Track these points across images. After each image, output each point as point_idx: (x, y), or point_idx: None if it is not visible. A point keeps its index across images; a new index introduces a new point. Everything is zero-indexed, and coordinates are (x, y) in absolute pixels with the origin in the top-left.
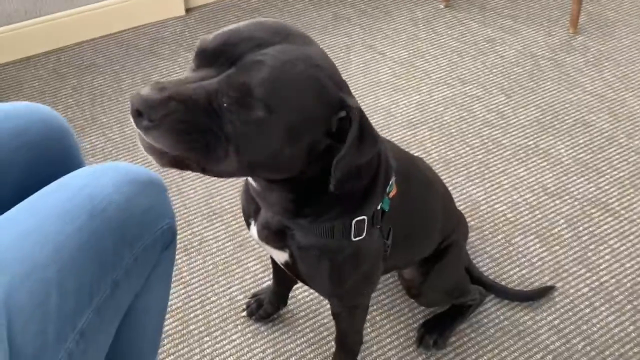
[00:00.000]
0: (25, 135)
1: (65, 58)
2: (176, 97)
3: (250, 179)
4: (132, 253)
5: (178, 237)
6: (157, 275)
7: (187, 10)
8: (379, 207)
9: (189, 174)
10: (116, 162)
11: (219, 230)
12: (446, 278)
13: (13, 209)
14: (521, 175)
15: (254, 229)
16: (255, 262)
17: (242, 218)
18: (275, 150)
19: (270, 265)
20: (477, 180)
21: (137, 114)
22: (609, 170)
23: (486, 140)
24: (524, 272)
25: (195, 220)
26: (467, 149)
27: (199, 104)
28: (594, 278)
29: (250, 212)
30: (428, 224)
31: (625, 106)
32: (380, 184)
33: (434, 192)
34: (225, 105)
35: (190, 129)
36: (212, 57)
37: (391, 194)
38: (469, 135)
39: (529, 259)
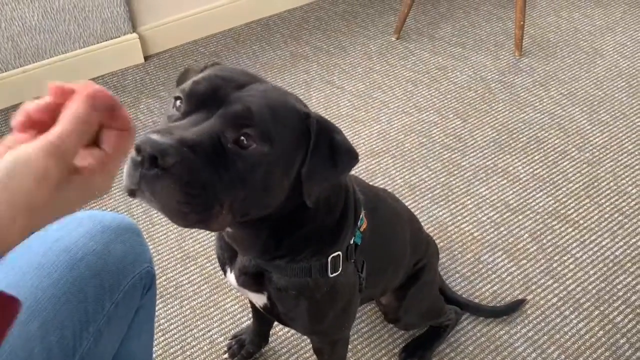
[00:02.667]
0: None
1: None
2: (187, 142)
3: None
4: (113, 300)
5: None
6: (140, 320)
7: (146, 57)
8: (351, 242)
9: (158, 219)
10: (89, 211)
11: (193, 274)
12: (422, 300)
13: None
14: (484, 195)
15: (231, 275)
16: (233, 302)
17: (216, 259)
18: (275, 183)
19: (249, 305)
20: (442, 203)
21: (151, 160)
22: (564, 183)
23: (447, 164)
24: (495, 288)
25: (169, 266)
26: (430, 173)
27: (206, 149)
28: (561, 288)
29: (226, 259)
30: (398, 252)
31: (573, 121)
32: (351, 217)
33: (401, 222)
34: (229, 146)
35: (197, 180)
36: (202, 100)
37: (362, 228)
38: (430, 160)
39: (498, 274)
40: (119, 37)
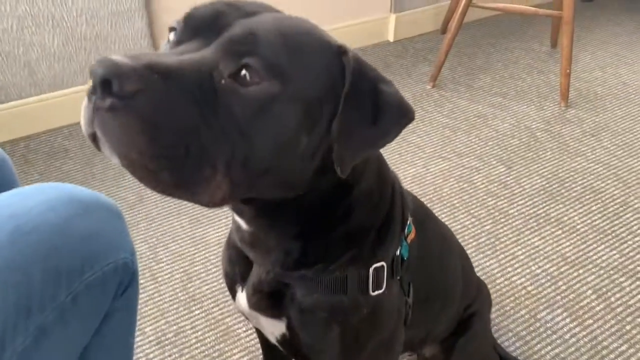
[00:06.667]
0: None
1: (34, 145)
2: (158, 67)
3: (239, 221)
4: (70, 290)
5: (150, 328)
6: (111, 330)
7: None
8: (397, 253)
9: (165, 256)
10: (61, 183)
11: (198, 319)
12: (472, 354)
13: None
14: (536, 245)
15: (242, 296)
16: (242, 353)
17: (225, 304)
18: (291, 141)
19: (259, 345)
20: (488, 252)
21: (103, 86)
22: (629, 237)
23: (492, 211)
24: (557, 350)
25: (170, 309)
26: (473, 220)
27: (188, 81)
28: (639, 355)
29: (236, 276)
30: (448, 283)
31: (633, 172)
32: (397, 222)
33: (451, 247)
34: (223, 82)
35: (169, 122)
36: (198, 27)
37: (409, 238)
38: (473, 206)
39: (560, 335)
40: None
